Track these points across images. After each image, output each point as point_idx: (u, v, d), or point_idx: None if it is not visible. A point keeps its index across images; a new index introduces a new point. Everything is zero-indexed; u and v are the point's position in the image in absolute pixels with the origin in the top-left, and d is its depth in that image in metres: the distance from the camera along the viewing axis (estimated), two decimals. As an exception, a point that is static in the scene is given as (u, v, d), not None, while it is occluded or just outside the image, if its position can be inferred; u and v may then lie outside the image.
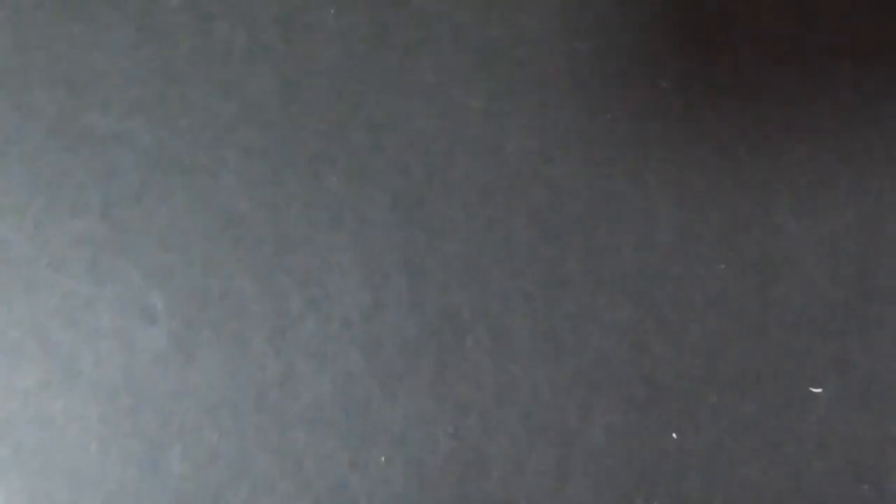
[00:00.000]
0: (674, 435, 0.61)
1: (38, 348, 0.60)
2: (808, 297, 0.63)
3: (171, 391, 0.60)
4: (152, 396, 0.59)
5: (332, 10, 0.65)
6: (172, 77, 0.62)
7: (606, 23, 0.64)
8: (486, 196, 0.62)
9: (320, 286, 0.61)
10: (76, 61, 0.62)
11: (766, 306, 0.62)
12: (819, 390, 0.61)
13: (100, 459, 0.59)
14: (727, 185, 0.63)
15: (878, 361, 0.62)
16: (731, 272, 0.62)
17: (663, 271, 0.62)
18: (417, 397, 0.60)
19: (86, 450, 0.59)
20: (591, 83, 0.62)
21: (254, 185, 0.62)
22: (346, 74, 0.62)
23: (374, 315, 0.61)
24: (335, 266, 0.61)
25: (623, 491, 0.61)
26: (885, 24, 0.65)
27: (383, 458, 0.60)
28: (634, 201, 0.63)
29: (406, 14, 0.65)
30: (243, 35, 0.63)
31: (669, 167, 0.63)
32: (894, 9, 0.66)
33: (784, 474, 0.61)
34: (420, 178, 0.62)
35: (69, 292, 0.60)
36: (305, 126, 0.62)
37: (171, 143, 0.61)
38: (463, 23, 0.63)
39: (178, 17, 0.64)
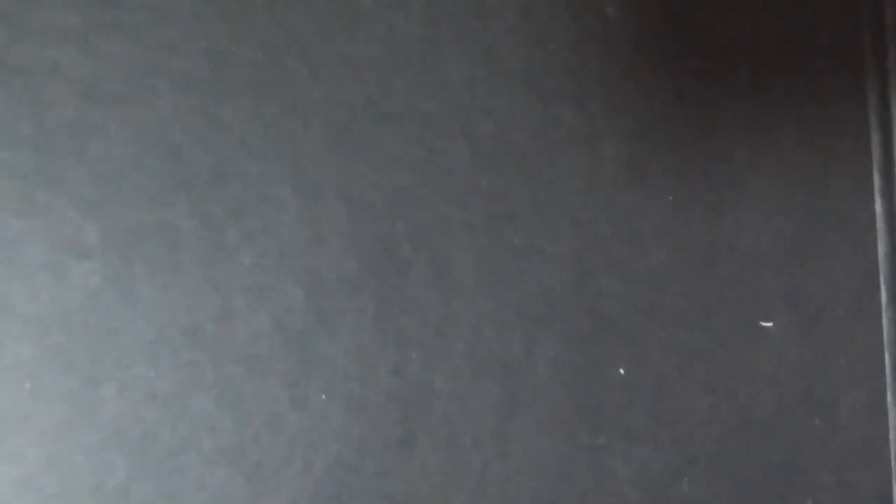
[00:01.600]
0: (621, 370, 0.59)
1: (-34, 283, 0.58)
2: (758, 228, 0.61)
3: (104, 327, 0.58)
4: (86, 333, 0.58)
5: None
6: (104, 4, 0.60)
7: (551, -54, 0.62)
8: (427, 126, 0.60)
9: (257, 218, 0.59)
10: (3, -12, 0.60)
11: (715, 237, 0.61)
12: (769, 324, 0.60)
13: (33, 398, 0.57)
14: (675, 114, 0.61)
15: (830, 293, 0.60)
16: (678, 202, 0.61)
17: (609, 202, 0.61)
18: (357, 332, 0.59)
19: (19, 388, 0.57)
20: (536, 10, 0.61)
21: (189, 115, 0.60)
22: (281, 1, 0.60)
23: (313, 248, 0.59)
24: (272, 198, 0.59)
25: (568, 426, 0.59)
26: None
27: (324, 396, 0.58)
28: (579, 130, 0.61)
29: (346, -61, 0.63)
30: (176, -40, 0.61)
31: (615, 96, 0.61)
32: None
33: (733, 409, 0.60)
34: (359, 107, 0.60)
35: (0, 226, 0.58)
36: (241, 55, 0.60)
37: (103, 72, 0.59)
38: (402, -54, 0.61)
39: (110, -57, 0.62)
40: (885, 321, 0.60)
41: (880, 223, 0.61)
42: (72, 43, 0.59)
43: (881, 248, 0.61)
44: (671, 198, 0.61)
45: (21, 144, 0.59)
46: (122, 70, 0.59)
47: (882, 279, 0.61)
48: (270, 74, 0.60)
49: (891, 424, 0.61)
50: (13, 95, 0.59)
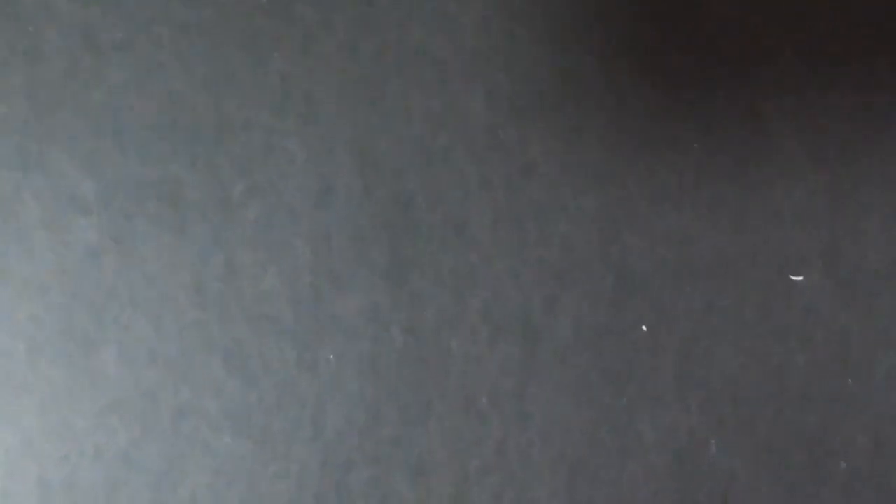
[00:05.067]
0: (644, 328, 0.57)
1: (-41, 241, 0.56)
2: (790, 181, 0.59)
3: (105, 287, 0.56)
4: (85, 293, 0.56)
5: None
6: (100, -54, 0.58)
7: None
8: (442, 74, 0.58)
9: (264, 172, 0.57)
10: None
11: (745, 191, 0.59)
12: (799, 278, 0.58)
13: (30, 361, 0.56)
14: (703, 61, 0.59)
15: (866, 248, 0.58)
16: (706, 155, 0.59)
17: (633, 155, 0.59)
18: (369, 290, 0.57)
19: (15, 351, 0.56)
20: (556, -50, 0.58)
21: (192, 64, 0.58)
22: (288, -59, 0.58)
23: (323, 203, 0.57)
24: (280, 150, 0.57)
25: (591, 389, 0.58)
26: None
27: (332, 356, 0.56)
28: (602, 79, 0.59)
29: None
30: None
31: (639, 43, 0.59)
32: None
33: (765, 370, 0.58)
34: (371, 55, 0.58)
35: (-8, 181, 0.57)
36: (247, 0, 0.58)
37: (102, 19, 0.57)
38: None
39: None
40: (923, 278, 0.59)
41: (917, 176, 0.59)
42: (68, -12, 0.57)
43: (919, 202, 0.59)
44: (697, 146, 0.59)
45: (15, 95, 0.57)
46: (122, 16, 0.57)
47: (920, 234, 0.59)
48: (278, 20, 0.58)
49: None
50: (7, 43, 0.57)
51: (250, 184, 0.57)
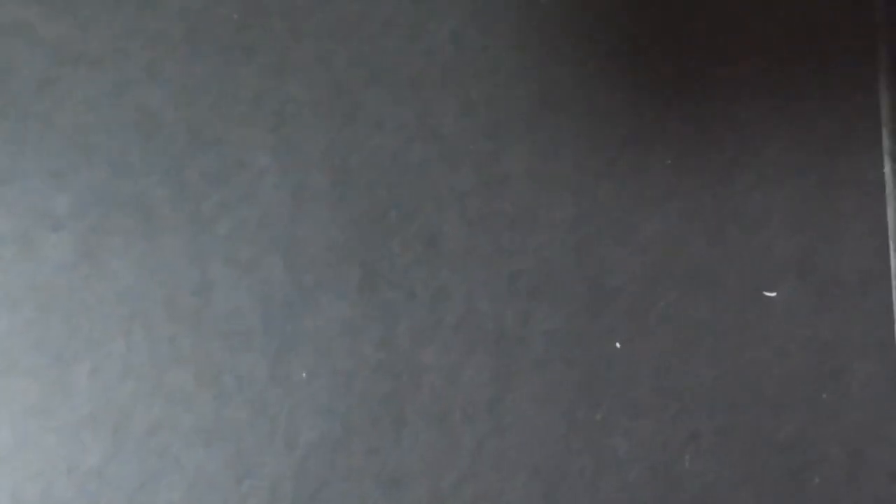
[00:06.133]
0: (617, 345, 0.57)
1: (-72, 256, 0.56)
2: (764, 193, 0.59)
3: (77, 302, 0.56)
4: (57, 308, 0.56)
5: None
6: (70, -40, 0.57)
7: None
8: (416, 86, 0.58)
9: (236, 186, 0.57)
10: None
11: (721, 202, 0.58)
12: (773, 294, 0.57)
13: (3, 376, 0.55)
14: (677, 72, 0.59)
15: (841, 260, 0.58)
16: (681, 166, 0.58)
17: (608, 166, 0.58)
18: (342, 305, 0.57)
19: (-13, 365, 0.55)
20: (528, -38, 0.58)
21: (163, 78, 0.57)
22: (259, -45, 0.58)
23: (294, 216, 0.57)
24: (251, 164, 0.57)
25: (565, 402, 0.57)
26: None
27: (304, 374, 0.56)
28: (577, 91, 0.58)
29: None
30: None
31: (615, 53, 0.58)
32: None
33: (740, 382, 0.58)
34: (343, 67, 0.58)
35: (-39, 195, 0.56)
36: (218, 12, 0.58)
37: (72, 33, 0.57)
38: None
39: None
40: (895, 289, 0.58)
41: (889, 187, 0.59)
42: (42, 2, 0.57)
43: (890, 213, 0.58)
44: (669, 161, 0.58)
45: (-14, 110, 0.57)
46: (94, 32, 0.57)
47: (892, 245, 0.58)
48: (249, 33, 0.57)
49: (904, 397, 0.59)
50: (-22, 58, 0.57)
51: (222, 198, 0.57)
